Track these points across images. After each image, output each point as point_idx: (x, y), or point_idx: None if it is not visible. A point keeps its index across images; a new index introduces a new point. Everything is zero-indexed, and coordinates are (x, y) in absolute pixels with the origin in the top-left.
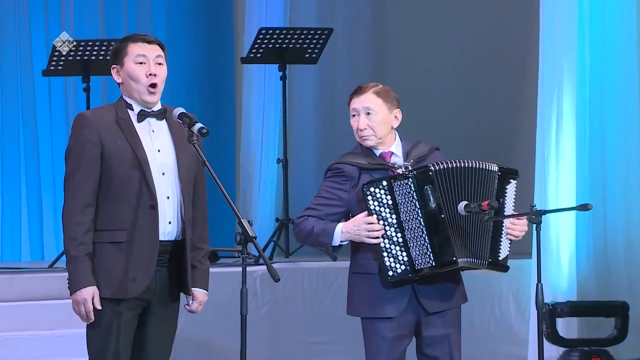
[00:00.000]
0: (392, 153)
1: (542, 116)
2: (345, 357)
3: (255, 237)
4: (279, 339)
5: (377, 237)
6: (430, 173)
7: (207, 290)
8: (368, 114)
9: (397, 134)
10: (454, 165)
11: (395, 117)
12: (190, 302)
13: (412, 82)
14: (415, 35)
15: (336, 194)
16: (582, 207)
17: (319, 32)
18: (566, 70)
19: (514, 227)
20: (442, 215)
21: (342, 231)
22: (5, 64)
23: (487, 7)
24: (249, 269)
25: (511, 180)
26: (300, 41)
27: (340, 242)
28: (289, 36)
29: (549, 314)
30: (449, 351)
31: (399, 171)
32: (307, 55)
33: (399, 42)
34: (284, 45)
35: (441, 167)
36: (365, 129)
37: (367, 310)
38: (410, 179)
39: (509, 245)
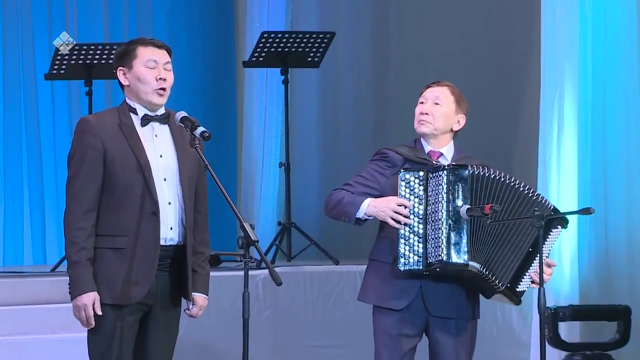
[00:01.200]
0: (442, 154)
1: (544, 119)
2: None
3: (258, 241)
4: (281, 343)
5: (399, 223)
6: (466, 172)
7: (207, 295)
8: (436, 103)
9: (453, 141)
10: (496, 177)
11: (459, 121)
12: (191, 306)
13: (414, 86)
14: (417, 39)
15: (376, 177)
16: (585, 211)
17: (321, 36)
18: (568, 73)
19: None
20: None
21: (370, 205)
22: (8, 68)
23: (488, 11)
24: (251, 272)
25: (559, 226)
26: (302, 45)
27: (365, 215)
28: (291, 40)
29: (551, 317)
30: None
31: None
32: (309, 59)
33: (401, 46)
34: (286, 49)
35: (481, 171)
36: (426, 113)
37: (374, 297)
38: (445, 172)
39: (527, 285)
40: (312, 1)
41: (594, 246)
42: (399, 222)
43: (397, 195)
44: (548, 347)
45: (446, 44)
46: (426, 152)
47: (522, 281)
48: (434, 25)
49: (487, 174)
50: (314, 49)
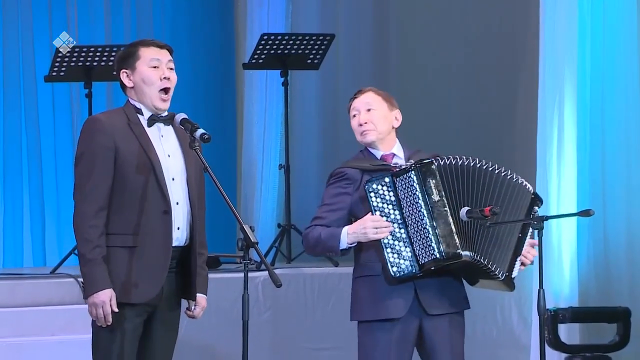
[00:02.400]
0: (394, 155)
1: (544, 121)
2: None
3: (257, 243)
4: (280, 345)
5: (384, 233)
6: (433, 166)
7: (206, 295)
8: (369, 110)
9: (397, 138)
10: (464, 163)
11: (396, 117)
12: (193, 307)
13: (415, 87)
14: (418, 41)
15: (341, 198)
16: (584, 213)
17: (321, 37)
18: (567, 76)
19: (528, 255)
20: (445, 209)
21: (349, 233)
22: (8, 69)
23: (488, 13)
24: (250, 274)
25: (535, 207)
26: (302, 47)
27: (348, 244)
28: (290, 42)
29: (551, 319)
30: (450, 358)
31: (402, 167)
32: (309, 61)
33: (402, 48)
34: (286, 51)
35: (447, 161)
36: (366, 122)
37: (370, 312)
38: (413, 172)
39: (518, 269)
40: (312, 3)
41: (593, 247)
42: (383, 233)
43: (368, 208)
44: (548, 349)
45: (446, 46)
46: (379, 157)
47: (514, 268)
48: (436, 28)
49: (454, 162)
50: (314, 51)
